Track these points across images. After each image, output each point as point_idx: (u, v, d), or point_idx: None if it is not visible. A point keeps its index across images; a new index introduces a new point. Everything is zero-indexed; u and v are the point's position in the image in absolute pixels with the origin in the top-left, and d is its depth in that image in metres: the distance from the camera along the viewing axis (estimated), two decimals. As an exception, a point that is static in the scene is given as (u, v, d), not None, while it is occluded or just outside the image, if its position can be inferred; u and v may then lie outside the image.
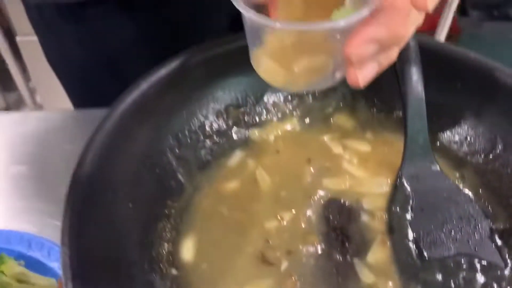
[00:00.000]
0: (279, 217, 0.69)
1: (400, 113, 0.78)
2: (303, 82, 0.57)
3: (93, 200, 0.55)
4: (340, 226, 0.68)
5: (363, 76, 0.49)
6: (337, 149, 0.78)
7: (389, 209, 0.70)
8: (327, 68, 0.54)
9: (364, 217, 0.69)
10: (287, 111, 0.81)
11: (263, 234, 0.67)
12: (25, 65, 2.34)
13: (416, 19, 0.49)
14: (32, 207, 0.72)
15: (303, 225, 0.68)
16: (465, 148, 0.75)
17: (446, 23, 2.14)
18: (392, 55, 0.53)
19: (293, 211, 0.70)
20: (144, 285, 0.57)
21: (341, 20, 0.46)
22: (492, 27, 2.25)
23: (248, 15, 0.48)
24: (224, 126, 0.76)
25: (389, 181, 0.73)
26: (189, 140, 0.72)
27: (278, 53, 0.54)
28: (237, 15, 0.50)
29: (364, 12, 0.46)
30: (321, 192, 0.72)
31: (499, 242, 0.65)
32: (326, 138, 0.80)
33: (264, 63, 0.55)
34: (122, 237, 0.58)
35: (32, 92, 2.50)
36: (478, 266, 0.63)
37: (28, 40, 2.19)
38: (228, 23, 1.09)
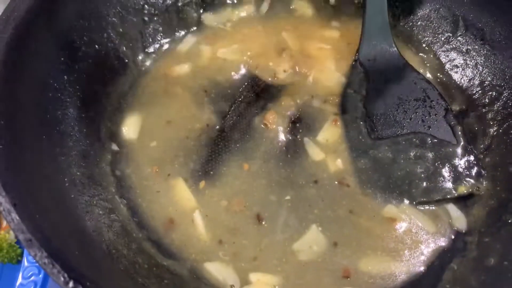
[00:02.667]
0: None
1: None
2: None
3: (18, 62, 0.50)
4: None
5: None
6: (294, 41, 0.74)
7: (343, 91, 0.67)
8: None
9: (316, 103, 0.66)
10: (243, -5, 0.76)
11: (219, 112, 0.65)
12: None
13: None
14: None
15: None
16: (427, 32, 0.72)
17: None
18: None
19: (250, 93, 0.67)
20: (80, 155, 0.55)
21: None
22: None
23: None
24: (174, 7, 0.71)
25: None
26: (134, 19, 0.67)
27: None
28: None
29: None
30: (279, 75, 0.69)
31: (453, 122, 0.63)
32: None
33: None
34: (56, 107, 0.55)
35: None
36: (429, 143, 0.61)
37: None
38: None
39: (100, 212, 0.50)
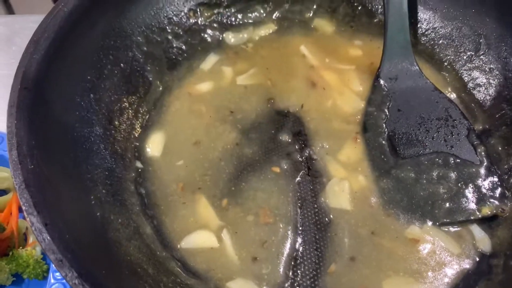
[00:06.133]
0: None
1: (382, 17, 0.74)
2: None
3: (48, 82, 0.52)
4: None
5: None
6: (315, 60, 0.74)
7: (365, 110, 0.67)
8: None
9: (337, 122, 0.66)
10: (264, 15, 0.77)
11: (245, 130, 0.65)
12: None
13: None
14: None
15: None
16: (449, 50, 0.72)
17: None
18: None
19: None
20: (105, 173, 0.55)
21: None
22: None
23: None
24: (196, 26, 0.73)
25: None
26: (158, 38, 0.69)
27: None
28: None
29: None
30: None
31: (476, 141, 0.63)
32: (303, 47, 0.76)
33: None
34: (82, 125, 0.56)
35: None
36: (452, 163, 0.61)
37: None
38: None
39: (126, 230, 0.51)
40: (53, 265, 0.53)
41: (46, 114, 0.50)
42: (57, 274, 0.56)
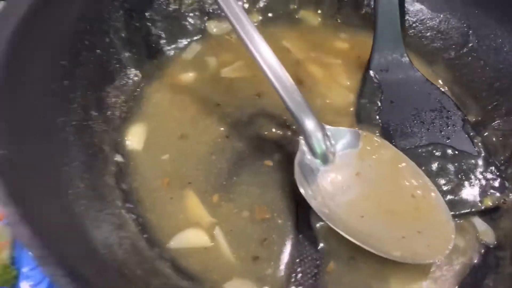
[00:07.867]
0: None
1: (369, 9, 0.73)
2: None
3: (17, 61, 0.46)
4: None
5: None
6: (300, 55, 0.71)
7: (357, 102, 0.64)
8: None
9: (329, 116, 0.63)
10: (248, 5, 0.73)
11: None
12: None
13: None
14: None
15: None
16: (437, 43, 0.71)
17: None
18: None
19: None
20: (83, 166, 0.49)
21: None
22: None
23: None
24: (178, 13, 0.68)
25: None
26: (136, 24, 0.64)
27: None
28: None
29: None
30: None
31: (471, 132, 0.61)
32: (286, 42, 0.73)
33: None
34: (56, 114, 0.50)
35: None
36: (450, 155, 0.59)
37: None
38: None
39: (109, 228, 0.45)
40: (23, 271, 0.47)
41: (16, 98, 0.44)
42: (27, 281, 0.49)
